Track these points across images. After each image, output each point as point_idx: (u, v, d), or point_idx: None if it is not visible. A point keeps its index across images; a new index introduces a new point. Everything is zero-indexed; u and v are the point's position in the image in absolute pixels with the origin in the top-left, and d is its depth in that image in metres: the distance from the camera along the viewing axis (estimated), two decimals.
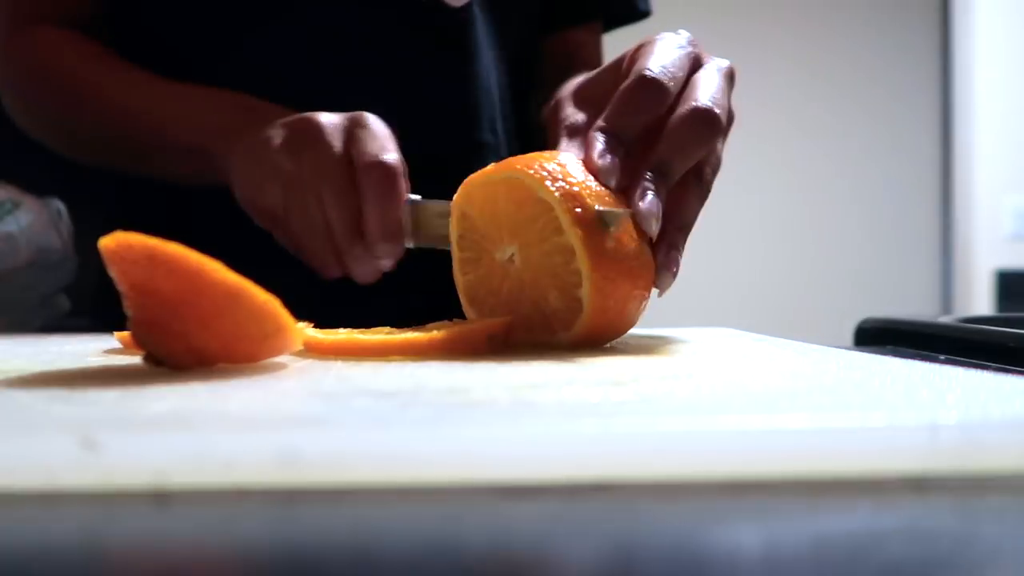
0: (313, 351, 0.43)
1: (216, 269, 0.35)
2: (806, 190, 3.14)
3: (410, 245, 0.56)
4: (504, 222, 0.47)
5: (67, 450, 0.24)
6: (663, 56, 0.49)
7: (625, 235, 0.44)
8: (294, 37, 0.72)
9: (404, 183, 0.55)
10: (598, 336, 0.46)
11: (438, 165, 0.73)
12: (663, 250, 0.47)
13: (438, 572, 0.20)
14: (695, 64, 0.51)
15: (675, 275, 0.47)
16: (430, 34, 0.75)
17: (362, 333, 0.44)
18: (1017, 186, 2.96)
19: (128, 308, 0.36)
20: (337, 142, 0.55)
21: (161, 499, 0.23)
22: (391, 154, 0.54)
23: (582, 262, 0.43)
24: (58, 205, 0.78)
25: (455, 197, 0.50)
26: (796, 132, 3.13)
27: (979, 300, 2.94)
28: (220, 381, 0.34)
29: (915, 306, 3.09)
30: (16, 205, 0.76)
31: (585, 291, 0.44)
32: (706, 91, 0.48)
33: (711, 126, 0.47)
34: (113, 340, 0.48)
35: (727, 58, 0.54)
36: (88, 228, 0.77)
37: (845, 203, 3.16)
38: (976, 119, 2.99)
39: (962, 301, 3.01)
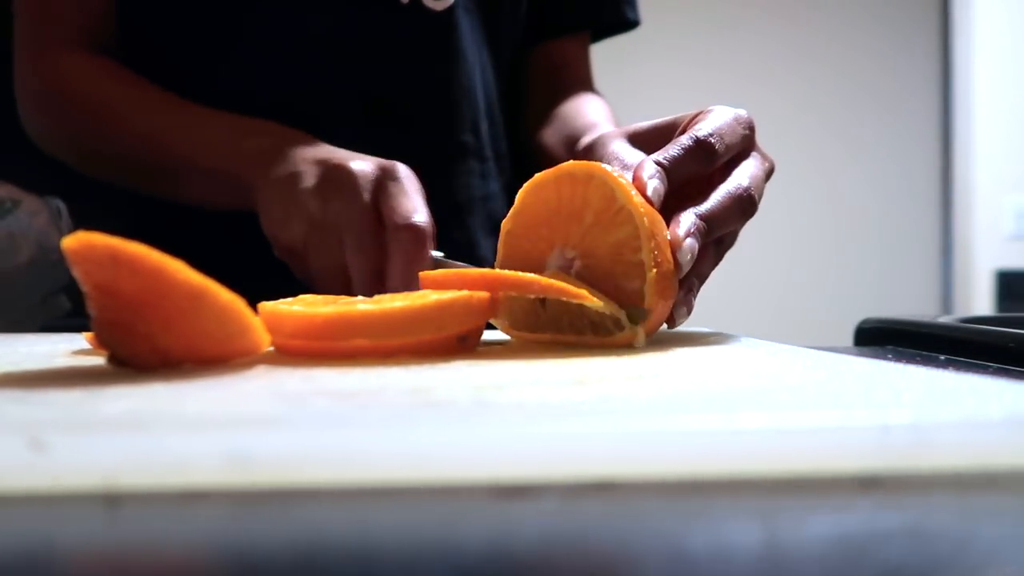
0: (283, 352, 0.42)
1: (179, 269, 0.35)
2: (806, 190, 3.14)
3: None
4: (569, 225, 0.48)
5: (14, 451, 0.23)
6: (723, 128, 0.52)
7: (668, 259, 0.47)
8: (280, 42, 0.73)
9: (431, 244, 0.56)
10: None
11: (417, 164, 0.74)
12: (684, 290, 0.49)
13: (393, 572, 0.19)
14: (747, 146, 0.54)
15: (689, 314, 0.50)
16: (411, 37, 0.75)
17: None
18: (1017, 186, 2.96)
19: (92, 308, 0.35)
20: (367, 193, 0.56)
21: (111, 501, 0.23)
22: (421, 215, 0.55)
23: (649, 287, 0.45)
24: (58, 204, 0.78)
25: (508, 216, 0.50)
26: (796, 132, 3.13)
27: (979, 300, 2.94)
28: (183, 382, 0.33)
29: (915, 306, 3.09)
30: (16, 204, 0.76)
31: (647, 310, 0.46)
32: (753, 179, 0.52)
33: (748, 211, 0.52)
34: (84, 341, 0.47)
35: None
36: (88, 228, 0.77)
37: (845, 203, 3.16)
38: (976, 119, 2.99)
39: (962, 301, 3.01)
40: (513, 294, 0.46)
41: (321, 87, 0.73)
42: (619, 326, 0.45)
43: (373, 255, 0.55)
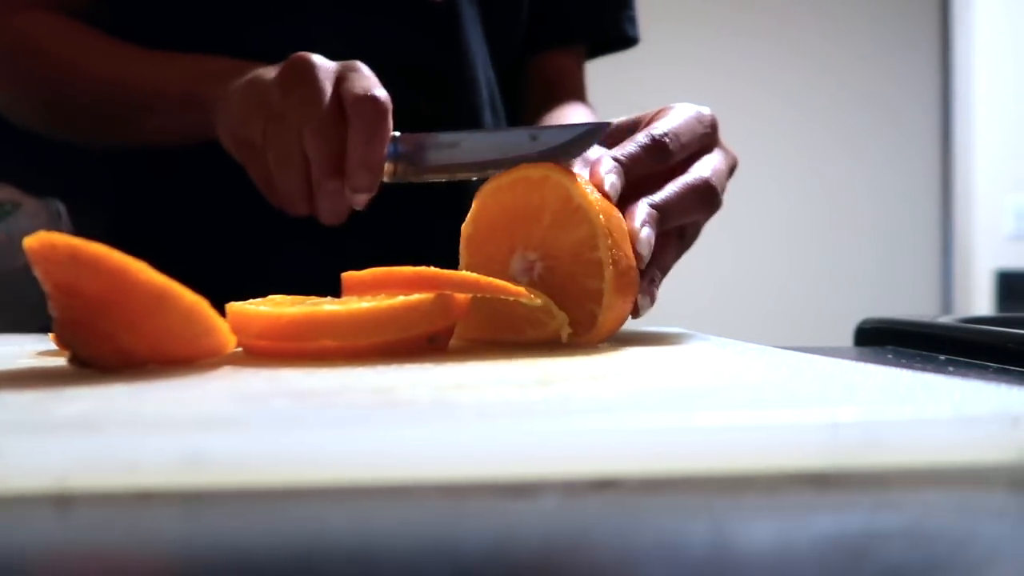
0: (250, 352, 0.42)
1: (141, 270, 0.35)
2: (806, 190, 3.14)
3: (386, 180, 0.56)
4: (529, 227, 0.48)
5: None
6: (680, 126, 0.53)
7: (627, 255, 0.47)
8: (282, 39, 0.73)
9: (390, 120, 0.56)
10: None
11: None
12: (646, 280, 0.50)
13: (345, 573, 0.19)
14: (707, 143, 0.55)
15: (652, 304, 0.51)
16: (411, 27, 0.76)
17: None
18: (1017, 186, 2.96)
19: (53, 309, 0.35)
20: (328, 83, 0.57)
21: (62, 503, 0.22)
22: (381, 91, 0.56)
23: (608, 285, 0.46)
24: (58, 205, 0.79)
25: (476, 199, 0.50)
26: (795, 132, 3.13)
27: (979, 300, 2.94)
28: (144, 383, 0.33)
29: (915, 306, 3.09)
30: (16, 206, 0.76)
31: (605, 308, 0.46)
32: (713, 172, 0.53)
33: (710, 201, 0.53)
34: (50, 341, 0.46)
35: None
36: (88, 229, 0.77)
37: (845, 203, 3.16)
38: (976, 119, 2.99)
39: (962, 301, 3.01)
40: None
41: None
42: (551, 316, 0.46)
43: (333, 139, 0.56)
